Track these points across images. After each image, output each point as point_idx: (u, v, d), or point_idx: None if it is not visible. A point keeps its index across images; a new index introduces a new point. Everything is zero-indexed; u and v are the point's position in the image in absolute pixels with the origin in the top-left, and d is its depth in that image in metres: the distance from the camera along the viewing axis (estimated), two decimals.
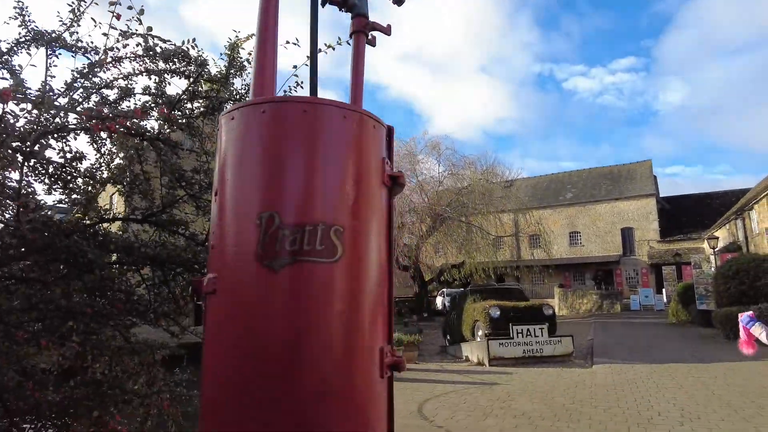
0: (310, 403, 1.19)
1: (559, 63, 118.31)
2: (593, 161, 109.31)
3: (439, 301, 33.59)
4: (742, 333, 5.49)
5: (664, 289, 28.86)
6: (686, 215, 38.19)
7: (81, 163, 3.53)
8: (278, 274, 1.20)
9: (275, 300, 1.22)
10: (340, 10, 1.83)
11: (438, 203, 29.49)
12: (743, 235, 25.58)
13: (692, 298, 18.54)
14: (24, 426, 3.05)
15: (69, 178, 3.51)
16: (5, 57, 3.11)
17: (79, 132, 3.20)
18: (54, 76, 3.30)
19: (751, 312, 5.33)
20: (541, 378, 8.81)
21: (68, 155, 3.39)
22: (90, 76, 3.39)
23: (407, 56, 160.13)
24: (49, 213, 3.14)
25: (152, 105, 3.67)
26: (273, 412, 1.17)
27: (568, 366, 10.17)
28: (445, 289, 33.42)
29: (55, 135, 3.18)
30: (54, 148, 3.28)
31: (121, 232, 3.80)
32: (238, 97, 3.89)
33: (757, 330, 5.23)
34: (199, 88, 3.82)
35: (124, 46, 3.44)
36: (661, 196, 42.06)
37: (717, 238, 19.27)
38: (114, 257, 3.56)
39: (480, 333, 11.78)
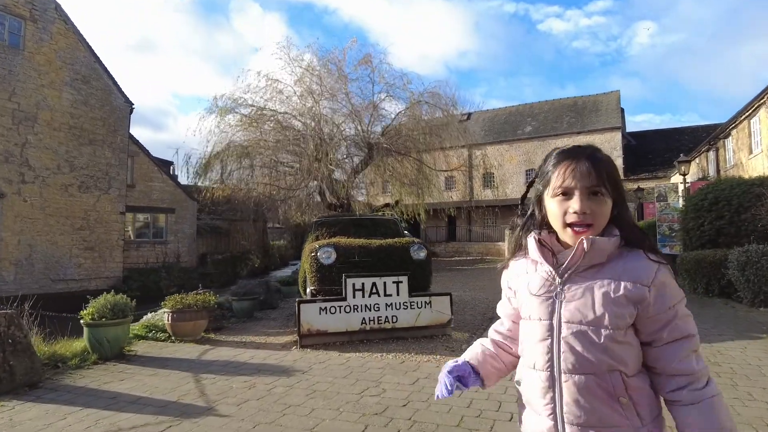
0: None
1: (535, 3, 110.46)
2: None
3: None
4: None
5: None
6: (653, 152, 34.27)
7: None
8: None
9: None
10: None
11: (370, 131, 24.47)
12: (714, 169, 21.56)
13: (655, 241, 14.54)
14: None
15: None
16: None
17: None
18: None
19: None
20: (331, 390, 4.28)
21: None
22: None
23: None
24: None
25: None
26: None
27: (428, 350, 5.70)
28: None
29: None
30: None
31: None
32: None
33: None
34: None
35: None
36: (627, 131, 37.98)
37: (689, 161, 14.95)
38: None
39: (309, 289, 7.12)
